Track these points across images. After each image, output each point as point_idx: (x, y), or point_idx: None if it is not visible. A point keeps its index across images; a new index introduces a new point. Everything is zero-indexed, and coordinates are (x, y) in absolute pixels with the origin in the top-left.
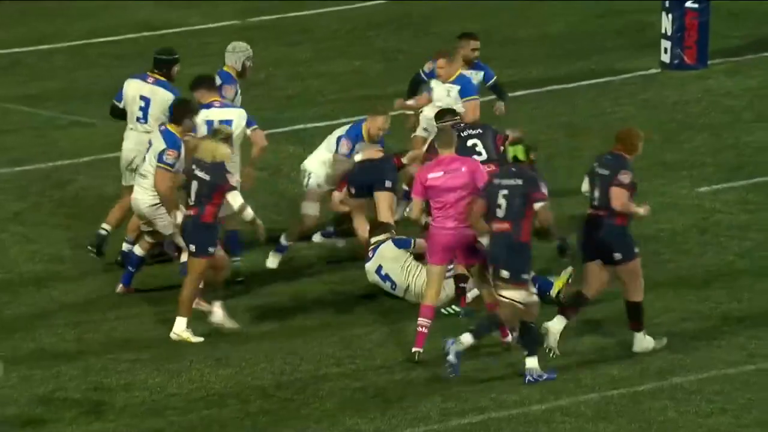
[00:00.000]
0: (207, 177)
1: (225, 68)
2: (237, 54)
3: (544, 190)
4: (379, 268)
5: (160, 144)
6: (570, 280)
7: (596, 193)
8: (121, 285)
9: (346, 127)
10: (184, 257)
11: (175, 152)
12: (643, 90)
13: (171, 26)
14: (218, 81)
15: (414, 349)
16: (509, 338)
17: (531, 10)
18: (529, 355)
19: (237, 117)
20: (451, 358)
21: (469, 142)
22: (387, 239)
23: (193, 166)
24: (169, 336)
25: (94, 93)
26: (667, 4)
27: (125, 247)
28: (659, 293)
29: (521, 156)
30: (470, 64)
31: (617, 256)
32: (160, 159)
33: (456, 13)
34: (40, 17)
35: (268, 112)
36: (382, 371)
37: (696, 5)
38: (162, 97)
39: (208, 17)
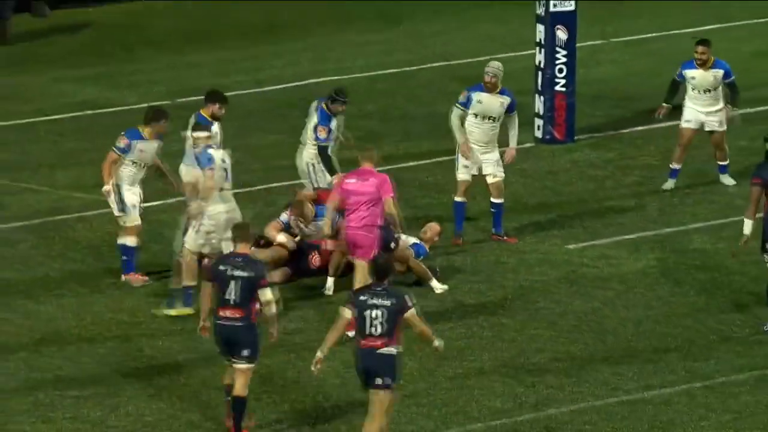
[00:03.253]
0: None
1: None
2: (486, 68)
3: None
4: None
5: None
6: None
7: None
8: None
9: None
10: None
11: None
12: (520, 161)
13: (110, 105)
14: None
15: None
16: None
17: (421, 90)
18: None
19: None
20: None
21: None
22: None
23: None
24: (109, 374)
25: (43, 164)
26: (539, 87)
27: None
28: (534, 336)
29: None
30: (702, 66)
31: None
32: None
33: (356, 93)
34: None
35: None
36: (297, 404)
37: (564, 89)
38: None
39: (144, 97)
